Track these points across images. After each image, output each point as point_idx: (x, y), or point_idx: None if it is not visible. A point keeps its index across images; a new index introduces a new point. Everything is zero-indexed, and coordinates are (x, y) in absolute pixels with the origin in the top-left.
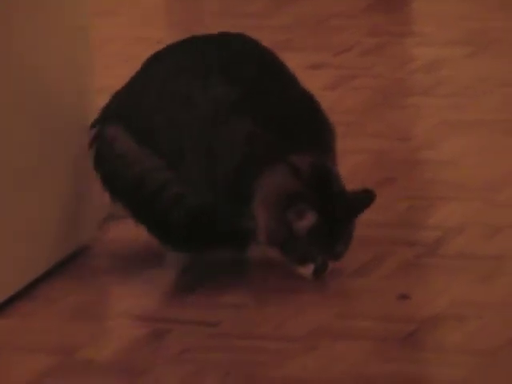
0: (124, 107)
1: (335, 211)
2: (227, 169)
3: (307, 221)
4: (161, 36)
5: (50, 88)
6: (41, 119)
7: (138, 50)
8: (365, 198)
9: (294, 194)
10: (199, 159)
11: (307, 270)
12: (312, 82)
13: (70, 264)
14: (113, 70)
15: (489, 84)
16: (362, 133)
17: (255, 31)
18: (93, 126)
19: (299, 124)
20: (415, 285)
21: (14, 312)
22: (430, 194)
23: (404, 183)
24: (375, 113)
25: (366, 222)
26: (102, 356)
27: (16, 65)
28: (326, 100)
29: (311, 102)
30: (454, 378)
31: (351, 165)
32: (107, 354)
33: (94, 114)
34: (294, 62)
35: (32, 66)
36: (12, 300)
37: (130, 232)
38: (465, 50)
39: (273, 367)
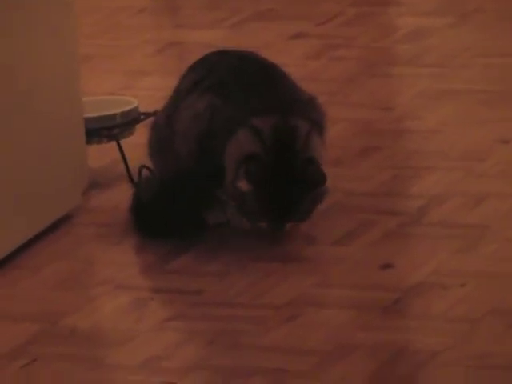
0: None
1: (286, 177)
2: (191, 137)
3: (244, 184)
4: (144, 5)
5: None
6: (28, 93)
7: (120, 19)
8: (320, 174)
9: (246, 156)
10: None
11: (263, 225)
12: (294, 51)
13: (54, 233)
14: (95, 39)
15: (472, 53)
16: (346, 102)
17: (237, 1)
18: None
19: (269, 96)
20: (399, 254)
21: None
22: (413, 163)
23: (387, 152)
24: (358, 82)
25: (349, 191)
26: (85, 324)
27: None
28: (309, 69)
29: (292, 89)
30: (437, 345)
31: (334, 134)
32: (90, 322)
33: (81, 87)
34: (276, 31)
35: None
36: None
37: (112, 201)
38: (448, 19)
39: (256, 336)
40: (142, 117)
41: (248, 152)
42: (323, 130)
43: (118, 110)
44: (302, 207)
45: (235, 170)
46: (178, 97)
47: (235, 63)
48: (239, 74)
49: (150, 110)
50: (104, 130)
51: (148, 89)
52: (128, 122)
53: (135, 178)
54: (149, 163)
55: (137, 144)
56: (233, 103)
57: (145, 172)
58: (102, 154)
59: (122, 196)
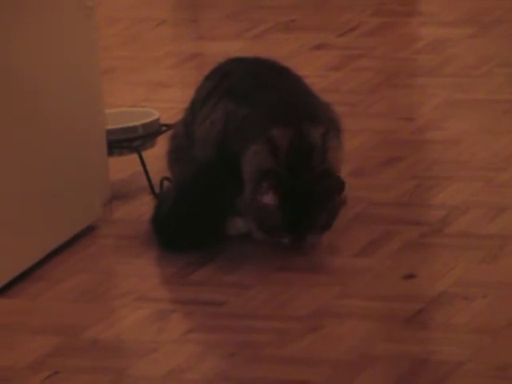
0: None
1: (303, 191)
2: (209, 143)
3: (269, 198)
4: (164, 17)
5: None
6: (51, 105)
7: (141, 31)
8: (336, 185)
9: (265, 172)
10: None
11: (284, 242)
12: (316, 62)
13: (76, 245)
14: (116, 51)
15: (493, 64)
16: (367, 113)
17: (258, 12)
18: None
19: (284, 99)
20: (421, 264)
21: (20, 292)
22: (435, 173)
23: (409, 163)
24: (380, 93)
25: (371, 202)
26: (106, 336)
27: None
28: (330, 80)
29: (306, 92)
30: (459, 357)
31: (356, 145)
32: (112, 334)
33: (103, 99)
34: (297, 42)
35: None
36: (17, 281)
37: (134, 213)
38: (469, 29)
39: (277, 347)
40: (163, 128)
41: (267, 167)
42: (340, 131)
43: (140, 122)
44: (322, 219)
45: (255, 184)
46: (195, 106)
47: (248, 68)
48: (252, 78)
49: (171, 121)
50: (125, 141)
51: (169, 101)
52: (149, 133)
53: (157, 189)
54: (169, 175)
55: (158, 156)
56: (247, 107)
57: (166, 184)
58: (124, 166)
59: (143, 208)
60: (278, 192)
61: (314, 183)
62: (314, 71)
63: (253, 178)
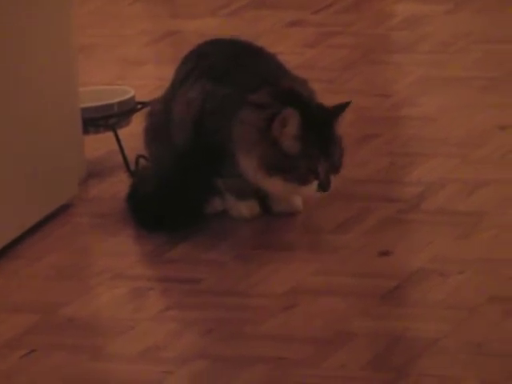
0: None
1: (315, 115)
2: (187, 124)
3: (292, 122)
4: None
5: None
6: (25, 84)
7: (116, 9)
8: (341, 104)
9: (269, 117)
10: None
11: (311, 187)
12: (291, 39)
13: (51, 223)
14: (91, 29)
15: (468, 40)
16: (343, 90)
17: None
18: None
19: (260, 74)
20: (397, 241)
21: None
22: (411, 150)
23: (385, 140)
24: (355, 70)
25: (347, 178)
26: (83, 314)
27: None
28: (306, 57)
29: (282, 69)
30: (435, 333)
31: None
32: (89, 312)
33: (77, 77)
34: (272, 19)
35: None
36: None
37: (110, 191)
38: (444, 6)
39: (254, 324)
40: (138, 106)
41: (269, 114)
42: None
43: (115, 100)
44: (340, 149)
45: (262, 140)
46: (174, 87)
47: (224, 49)
48: (229, 58)
49: (147, 99)
50: (101, 119)
51: (144, 78)
52: (125, 111)
53: (132, 167)
54: (146, 153)
55: (134, 134)
56: (224, 85)
57: (142, 162)
58: (100, 144)
59: (119, 186)
60: (300, 117)
61: (326, 108)
62: (290, 48)
63: (254, 138)
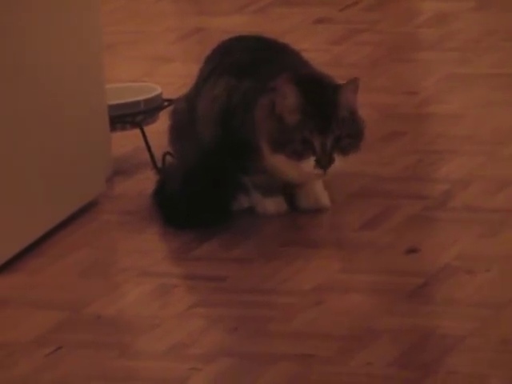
0: None
1: (319, 90)
2: (212, 120)
3: (290, 95)
4: None
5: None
6: (53, 81)
7: (143, 6)
8: (349, 81)
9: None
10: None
11: (309, 163)
12: (318, 36)
13: (78, 220)
14: (117, 26)
15: (496, 37)
16: (369, 87)
17: None
18: None
19: (283, 68)
20: (424, 238)
21: (23, 268)
22: (438, 147)
23: (412, 137)
24: (382, 67)
25: (374, 176)
26: (109, 311)
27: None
28: (332, 54)
29: (307, 65)
30: (462, 330)
31: None
32: (115, 310)
33: (104, 74)
34: (299, 16)
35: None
36: (20, 256)
37: (136, 188)
38: (471, 3)
39: (280, 322)
40: (165, 103)
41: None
42: None
43: (142, 97)
44: (348, 125)
45: (270, 118)
46: (197, 85)
47: (248, 45)
48: (252, 54)
49: (173, 96)
50: (128, 116)
51: (171, 75)
52: (151, 108)
53: (159, 164)
54: (171, 150)
55: (160, 131)
56: (248, 80)
57: (168, 159)
58: (126, 141)
59: (145, 183)
60: (298, 87)
61: (331, 83)
62: (316, 45)
63: (265, 118)
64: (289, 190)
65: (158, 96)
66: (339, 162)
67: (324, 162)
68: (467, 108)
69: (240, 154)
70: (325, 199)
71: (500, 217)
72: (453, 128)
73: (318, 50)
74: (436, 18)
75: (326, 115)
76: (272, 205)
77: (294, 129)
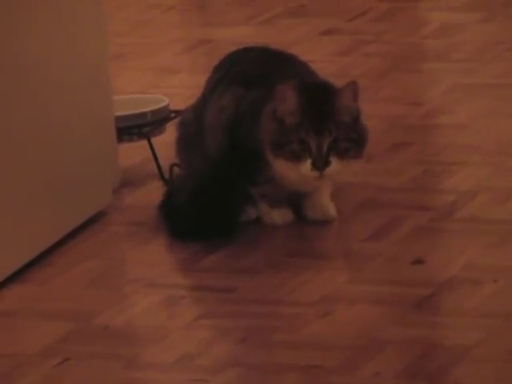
0: None
1: (317, 93)
2: (220, 130)
3: (288, 98)
4: (173, 2)
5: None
6: (60, 92)
7: (150, 17)
8: (348, 83)
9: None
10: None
11: (306, 165)
12: (325, 47)
13: (86, 231)
14: (124, 37)
15: (502, 48)
16: (376, 98)
17: None
18: None
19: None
20: (430, 249)
21: (31, 278)
22: (444, 158)
23: (418, 148)
24: (389, 78)
25: (380, 187)
26: (117, 322)
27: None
28: (339, 65)
29: (314, 75)
30: (469, 341)
31: None
32: (123, 321)
33: (111, 85)
34: (306, 27)
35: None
36: (29, 266)
37: (144, 199)
38: (477, 14)
39: (287, 333)
40: (172, 115)
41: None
42: None
43: (149, 108)
44: (346, 130)
45: (272, 123)
46: (204, 96)
47: (256, 56)
48: (260, 64)
49: (181, 108)
50: (135, 128)
51: (178, 87)
52: (159, 120)
53: (166, 176)
54: (179, 162)
55: (167, 142)
56: (256, 89)
57: (176, 170)
58: (133, 153)
59: (153, 194)
60: (298, 91)
61: (330, 87)
62: (323, 56)
63: (267, 123)
64: (296, 201)
65: (165, 107)
66: (336, 165)
67: (319, 164)
68: (473, 118)
69: (247, 164)
70: (331, 210)
71: (507, 227)
72: (459, 138)
73: (324, 60)
74: (442, 29)
75: (323, 117)
76: (279, 216)
77: (291, 130)
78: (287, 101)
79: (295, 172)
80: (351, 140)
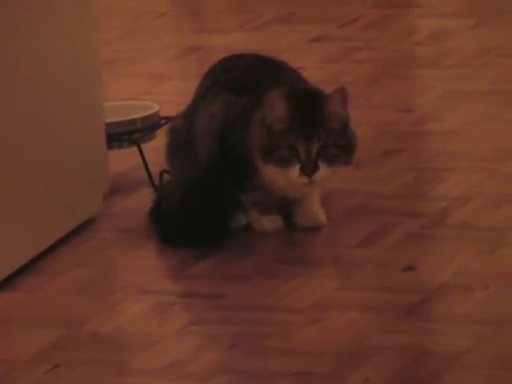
0: None
1: (306, 99)
2: (210, 136)
3: (277, 104)
4: (164, 9)
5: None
6: (50, 98)
7: (141, 23)
8: (337, 89)
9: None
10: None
11: (294, 170)
12: (315, 54)
13: (76, 238)
14: (115, 44)
15: (492, 55)
16: (367, 105)
17: (258, 4)
18: None
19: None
20: (421, 256)
21: (21, 285)
22: (435, 165)
23: (409, 154)
24: (379, 85)
25: (371, 194)
26: (107, 329)
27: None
28: (330, 72)
29: (304, 82)
30: (460, 347)
31: None
32: (113, 327)
33: (102, 92)
34: (297, 34)
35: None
36: (18, 273)
37: (134, 205)
38: (468, 20)
39: (278, 339)
40: (162, 121)
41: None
42: None
43: (139, 115)
44: (335, 134)
45: (260, 129)
46: (195, 103)
47: (246, 63)
48: (250, 71)
49: (171, 114)
50: (125, 134)
51: (169, 93)
52: (149, 126)
53: (156, 182)
54: (169, 168)
55: (158, 148)
56: (246, 96)
57: (166, 176)
58: (123, 159)
59: (143, 201)
60: (287, 98)
61: (319, 93)
62: (314, 63)
63: (256, 130)
64: (286, 208)
65: (155, 114)
66: (325, 171)
67: (308, 170)
68: (464, 125)
69: (238, 171)
70: (322, 216)
71: (498, 234)
72: (450, 145)
73: (315, 67)
74: (433, 36)
75: (312, 123)
76: (269, 222)
77: (280, 136)
78: (276, 107)
79: (284, 177)
80: (340, 146)
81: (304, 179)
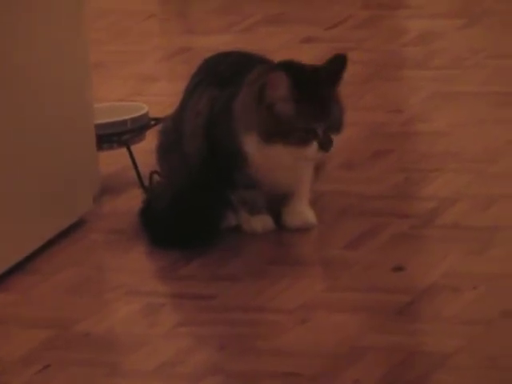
0: None
1: (309, 75)
2: (198, 133)
3: (282, 84)
4: (153, 10)
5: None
6: (39, 100)
7: (130, 25)
8: (336, 58)
9: (261, 86)
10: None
11: (312, 148)
12: (304, 55)
13: (66, 238)
14: (104, 45)
15: (481, 56)
16: (356, 106)
17: (247, 5)
18: None
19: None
20: (410, 256)
21: (11, 286)
22: (424, 165)
23: (398, 155)
24: (368, 86)
25: (360, 194)
26: (98, 329)
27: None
28: None
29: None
30: (449, 348)
31: (345, 137)
32: (104, 328)
33: (92, 93)
34: (287, 35)
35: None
36: (9, 274)
37: (124, 206)
38: (457, 21)
39: (268, 340)
40: (152, 122)
41: (260, 84)
42: None
43: (129, 116)
44: (339, 108)
45: (258, 111)
46: (182, 103)
47: (233, 60)
48: (234, 66)
49: (161, 115)
50: (114, 135)
51: (158, 94)
52: (138, 127)
53: (146, 183)
54: (159, 170)
55: (147, 150)
56: (229, 88)
57: (155, 177)
58: (113, 160)
59: (133, 201)
60: (291, 78)
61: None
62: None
63: (250, 112)
64: (275, 208)
65: (145, 115)
66: (336, 142)
67: (326, 146)
68: (453, 126)
69: (227, 165)
70: (311, 217)
71: (487, 234)
72: (439, 146)
73: None
74: (422, 37)
75: (323, 101)
76: (259, 223)
77: (293, 118)
78: (280, 87)
79: (294, 155)
80: (341, 114)
81: (320, 154)
